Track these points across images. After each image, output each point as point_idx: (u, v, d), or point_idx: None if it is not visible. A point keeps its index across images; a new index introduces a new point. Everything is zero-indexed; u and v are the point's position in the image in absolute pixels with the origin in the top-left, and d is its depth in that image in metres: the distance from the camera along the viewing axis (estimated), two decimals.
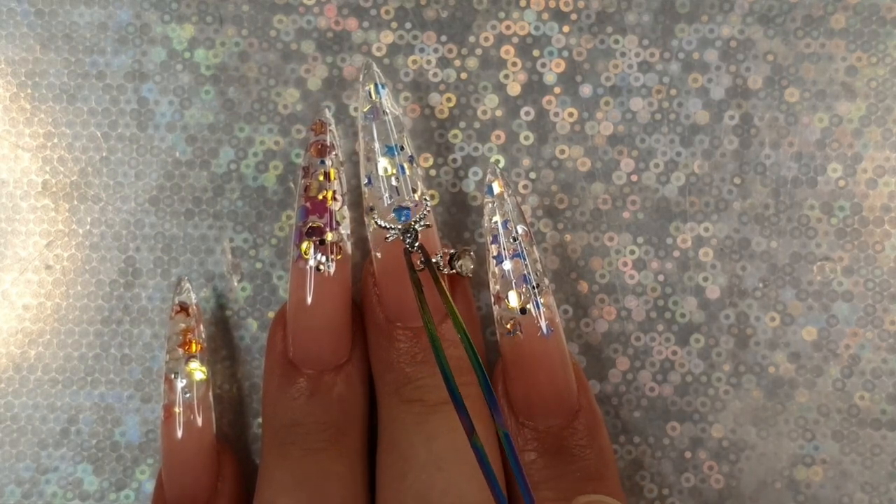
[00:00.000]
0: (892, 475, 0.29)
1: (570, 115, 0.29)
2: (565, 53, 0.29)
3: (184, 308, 0.27)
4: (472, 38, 0.29)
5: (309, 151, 0.26)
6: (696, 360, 0.29)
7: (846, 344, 0.29)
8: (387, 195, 0.26)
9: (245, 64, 0.29)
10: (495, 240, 0.26)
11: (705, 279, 0.29)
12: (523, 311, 0.26)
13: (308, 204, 0.26)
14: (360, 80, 0.27)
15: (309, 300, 0.26)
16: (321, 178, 0.26)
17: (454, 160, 0.29)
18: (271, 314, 0.29)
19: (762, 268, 0.29)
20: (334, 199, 0.26)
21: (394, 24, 0.29)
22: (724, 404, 0.29)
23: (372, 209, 0.26)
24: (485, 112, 0.29)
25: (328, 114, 0.27)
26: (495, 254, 0.26)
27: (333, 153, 0.26)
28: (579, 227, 0.29)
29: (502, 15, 0.29)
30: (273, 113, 0.29)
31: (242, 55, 0.29)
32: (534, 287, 0.26)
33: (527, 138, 0.29)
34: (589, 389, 0.27)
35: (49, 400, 0.29)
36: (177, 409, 0.26)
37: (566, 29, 0.29)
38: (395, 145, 0.26)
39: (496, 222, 0.26)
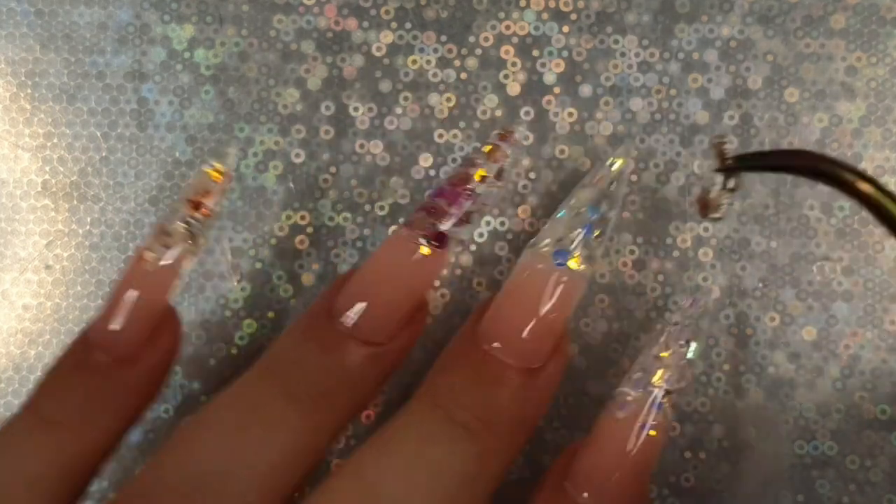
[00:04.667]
0: (892, 475, 0.29)
1: (570, 115, 0.29)
2: (565, 53, 0.29)
3: (219, 171, 0.25)
4: (471, 38, 0.29)
5: (482, 148, 0.26)
6: (696, 361, 0.29)
7: (846, 344, 0.29)
8: (562, 236, 0.25)
9: (245, 64, 0.29)
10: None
11: (705, 279, 0.29)
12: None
13: (447, 186, 0.25)
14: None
15: (397, 275, 0.25)
16: (476, 175, 0.25)
17: (454, 160, 0.29)
18: (271, 314, 0.29)
19: (762, 268, 0.29)
20: (471, 197, 0.25)
21: (394, 24, 0.29)
22: (724, 404, 0.29)
23: (535, 244, 0.25)
24: (485, 112, 0.29)
25: (524, 129, 0.28)
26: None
27: (503, 162, 0.26)
28: None
29: (502, 15, 0.29)
30: (273, 113, 0.29)
31: (242, 55, 0.29)
32: None
33: (527, 138, 0.29)
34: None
35: None
36: (151, 255, 0.25)
37: (566, 29, 0.29)
38: (598, 208, 0.26)
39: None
